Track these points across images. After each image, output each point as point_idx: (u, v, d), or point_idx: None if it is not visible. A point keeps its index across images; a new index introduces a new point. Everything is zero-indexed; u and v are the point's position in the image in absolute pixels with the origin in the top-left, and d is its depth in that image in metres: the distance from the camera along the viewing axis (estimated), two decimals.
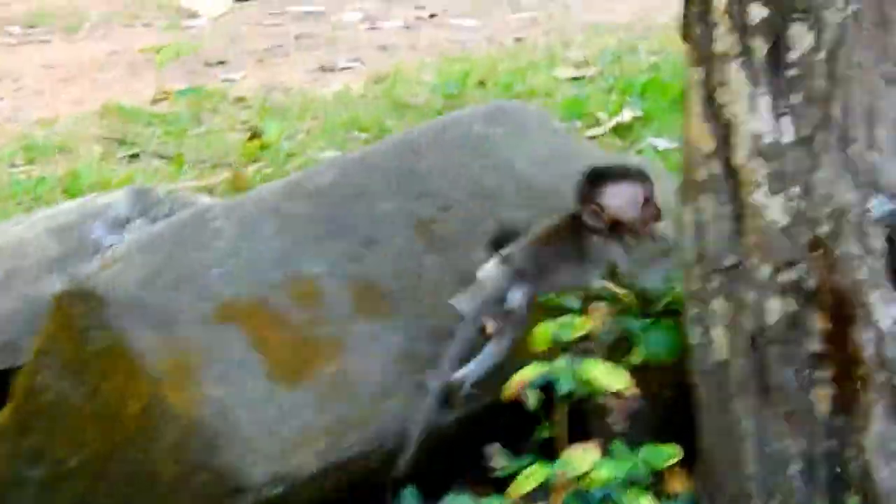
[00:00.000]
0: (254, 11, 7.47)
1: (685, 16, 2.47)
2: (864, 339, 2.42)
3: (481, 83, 5.81)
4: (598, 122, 5.20)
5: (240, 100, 5.80)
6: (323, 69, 6.38)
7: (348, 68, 6.37)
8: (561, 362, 2.55)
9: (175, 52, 5.56)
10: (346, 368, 2.68)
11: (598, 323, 2.74)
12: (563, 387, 2.53)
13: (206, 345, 2.65)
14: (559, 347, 2.62)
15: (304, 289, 2.74)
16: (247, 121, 5.52)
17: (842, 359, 2.45)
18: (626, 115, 5.14)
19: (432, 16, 7.26)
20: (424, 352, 2.74)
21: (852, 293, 2.41)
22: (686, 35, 2.48)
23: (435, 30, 7.04)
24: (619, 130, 5.07)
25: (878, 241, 2.41)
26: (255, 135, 4.44)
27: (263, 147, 4.52)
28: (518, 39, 6.74)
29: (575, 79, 5.88)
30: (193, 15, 7.38)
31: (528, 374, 2.54)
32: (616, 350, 2.78)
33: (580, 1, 7.41)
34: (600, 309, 2.77)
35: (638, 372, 2.73)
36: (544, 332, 2.56)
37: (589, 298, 2.86)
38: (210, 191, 4.51)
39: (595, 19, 7.01)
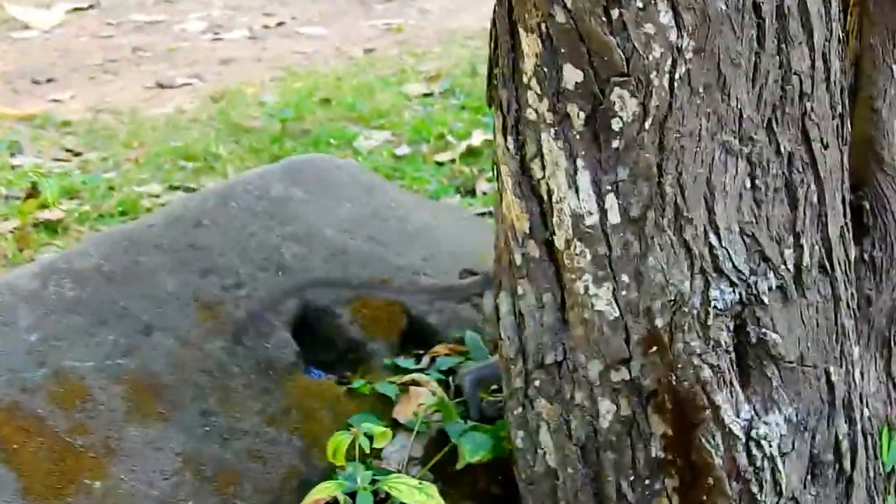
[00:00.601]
0: (90, 21, 7.01)
1: (489, 77, 2.11)
2: (712, 445, 2.09)
3: (326, 101, 5.41)
4: (447, 146, 4.82)
5: (65, 124, 5.33)
6: (160, 86, 5.95)
7: (187, 84, 5.94)
8: (361, 478, 2.17)
9: None
10: (119, 481, 2.28)
11: (411, 416, 2.38)
12: None
13: None
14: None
15: (66, 389, 2.33)
16: (71, 149, 5.06)
17: (687, 467, 2.13)
18: (477, 138, 4.76)
19: (280, 24, 6.85)
20: (212, 454, 2.34)
21: (695, 394, 2.07)
22: (492, 99, 2.12)
23: (282, 40, 6.63)
24: (469, 155, 4.69)
25: (723, 335, 2.07)
26: (32, 193, 4.01)
27: (43, 206, 4.08)
28: (369, 50, 6.36)
29: (426, 95, 5.50)
30: (25, 26, 6.87)
31: (323, 492, 2.15)
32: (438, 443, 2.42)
33: (438, 5, 7.04)
34: (415, 401, 2.41)
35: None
36: (339, 443, 2.17)
37: (409, 384, 2.51)
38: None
39: (453, 26, 6.65)
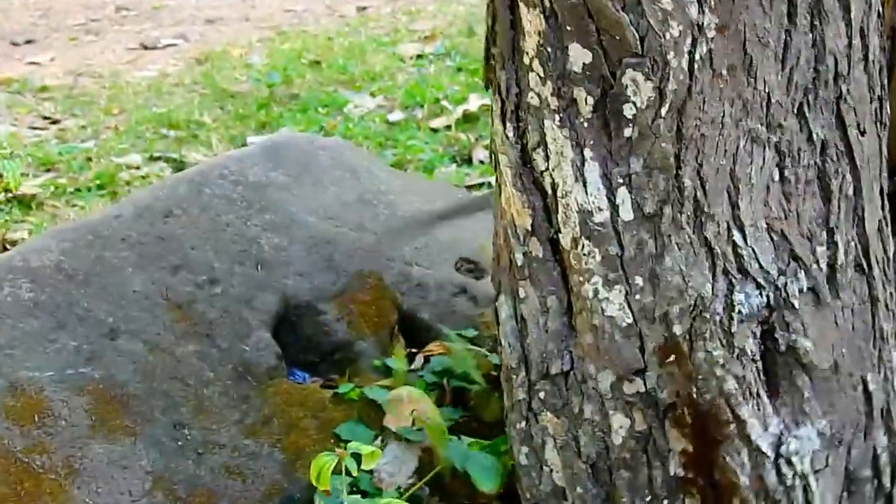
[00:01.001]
0: None
1: (487, 56, 1.88)
2: (737, 463, 1.88)
3: (316, 63, 5.17)
4: (442, 111, 4.59)
5: (43, 89, 5.10)
6: (143, 47, 5.71)
7: (171, 45, 5.71)
8: (347, 503, 1.96)
9: None
10: None
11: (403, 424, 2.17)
12: None
13: None
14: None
15: (23, 403, 2.13)
16: (49, 116, 4.84)
17: (709, 487, 1.93)
18: (474, 103, 4.52)
19: None
20: (185, 471, 2.13)
21: (718, 407, 1.85)
22: (489, 80, 1.89)
23: None
24: (465, 121, 4.46)
25: (749, 342, 1.85)
26: None
27: (6, 189, 3.86)
28: (361, 8, 6.10)
29: (420, 56, 5.26)
30: None
31: None
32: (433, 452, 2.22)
33: None
34: (407, 407, 2.20)
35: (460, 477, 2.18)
36: (322, 466, 1.95)
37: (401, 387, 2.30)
38: None
39: None
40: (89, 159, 4.34)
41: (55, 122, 4.80)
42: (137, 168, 4.23)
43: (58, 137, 4.61)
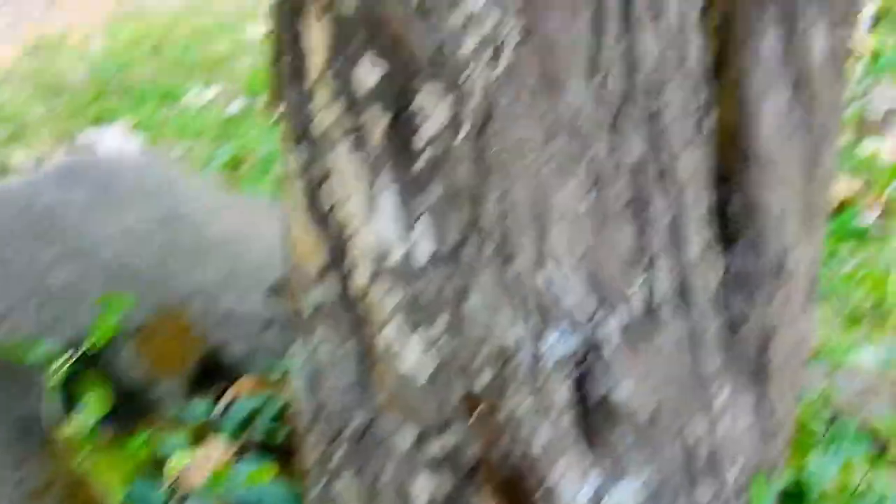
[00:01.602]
0: None
1: (272, 72, 1.67)
2: None
3: (156, 49, 4.90)
4: None
5: None
6: None
7: (5, 30, 5.38)
8: None
9: None
10: None
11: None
12: None
13: None
14: None
15: None
16: None
17: None
18: None
19: None
20: None
21: (529, 466, 1.66)
22: (274, 99, 1.67)
23: None
24: None
25: (561, 391, 1.66)
26: None
27: None
28: None
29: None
30: None
31: None
32: None
33: None
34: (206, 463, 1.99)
35: None
36: None
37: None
38: None
39: None
40: None
41: None
42: None
43: None
